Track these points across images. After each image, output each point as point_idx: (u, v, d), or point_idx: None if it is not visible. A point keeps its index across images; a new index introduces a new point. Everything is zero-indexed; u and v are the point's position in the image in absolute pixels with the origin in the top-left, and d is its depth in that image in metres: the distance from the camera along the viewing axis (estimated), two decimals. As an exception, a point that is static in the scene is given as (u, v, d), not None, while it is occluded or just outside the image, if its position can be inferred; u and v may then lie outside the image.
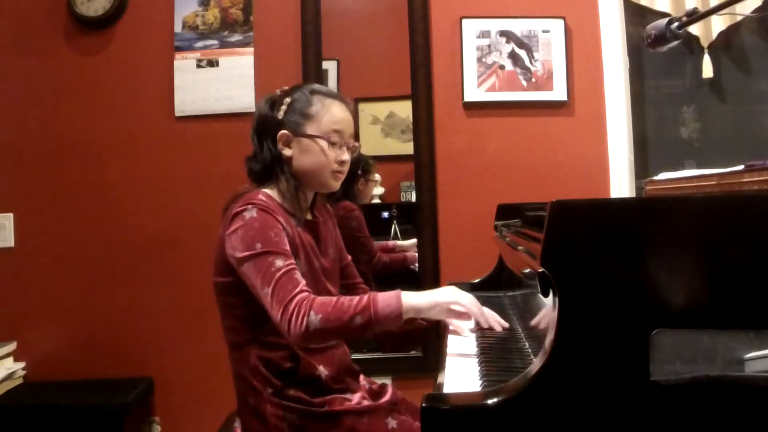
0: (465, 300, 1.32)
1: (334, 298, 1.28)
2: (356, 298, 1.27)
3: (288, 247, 1.33)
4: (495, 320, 1.42)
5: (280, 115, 1.44)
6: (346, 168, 1.47)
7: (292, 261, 1.32)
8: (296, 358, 1.39)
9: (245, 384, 1.40)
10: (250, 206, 1.34)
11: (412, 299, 1.28)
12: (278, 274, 1.27)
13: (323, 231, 1.52)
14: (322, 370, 1.42)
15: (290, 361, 1.39)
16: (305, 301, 1.25)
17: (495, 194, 2.33)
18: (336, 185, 1.48)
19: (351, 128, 1.47)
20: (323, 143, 1.42)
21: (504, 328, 1.46)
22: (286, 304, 1.25)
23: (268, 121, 1.45)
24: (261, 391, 1.38)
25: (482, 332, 1.46)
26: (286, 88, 1.51)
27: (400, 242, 2.59)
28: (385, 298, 1.27)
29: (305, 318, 1.23)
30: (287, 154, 1.44)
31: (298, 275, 1.30)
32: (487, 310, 1.44)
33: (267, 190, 1.42)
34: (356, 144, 1.50)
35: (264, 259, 1.29)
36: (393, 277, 2.52)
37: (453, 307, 1.32)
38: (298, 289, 1.27)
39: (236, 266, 1.33)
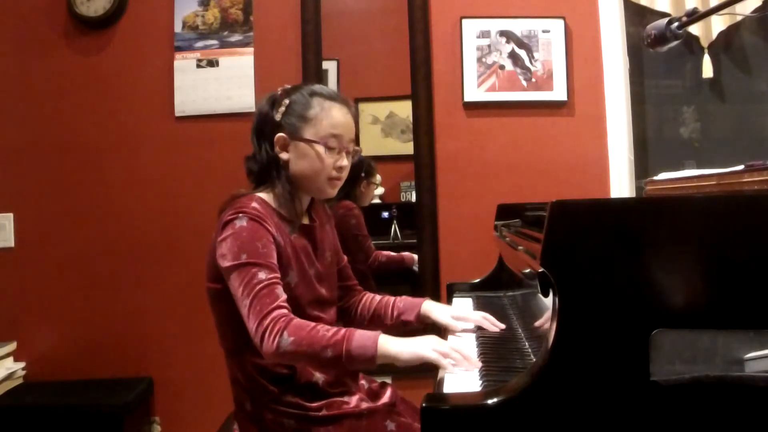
0: (444, 350, 1.21)
1: (312, 324, 1.25)
2: (333, 330, 1.24)
3: (275, 260, 1.31)
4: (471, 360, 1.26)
5: (278, 116, 1.40)
6: (344, 174, 1.44)
7: (277, 275, 1.29)
8: (292, 365, 1.37)
9: (242, 389, 1.39)
10: (241, 214, 1.31)
11: (391, 346, 1.22)
12: (259, 287, 1.25)
13: (320, 235, 1.49)
14: (319, 376, 1.40)
15: (286, 368, 1.37)
16: (281, 319, 1.23)
17: (495, 194, 2.33)
18: (332, 192, 1.44)
19: (351, 132, 1.43)
20: (320, 148, 1.39)
21: (500, 329, 1.46)
22: (261, 319, 1.23)
23: (266, 121, 1.43)
24: (258, 397, 1.37)
25: (482, 332, 1.46)
26: (288, 87, 1.47)
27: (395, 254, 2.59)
28: (361, 338, 1.22)
29: (277, 337, 1.21)
30: (284, 158, 1.40)
31: (279, 290, 1.28)
32: (479, 315, 1.43)
33: (262, 195, 1.40)
34: (356, 148, 1.46)
35: (248, 269, 1.27)
36: (393, 276, 2.52)
37: (434, 360, 1.22)
38: (275, 305, 1.24)
39: (224, 275, 1.32)
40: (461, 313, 1.53)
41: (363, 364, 1.22)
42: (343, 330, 1.24)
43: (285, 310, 1.25)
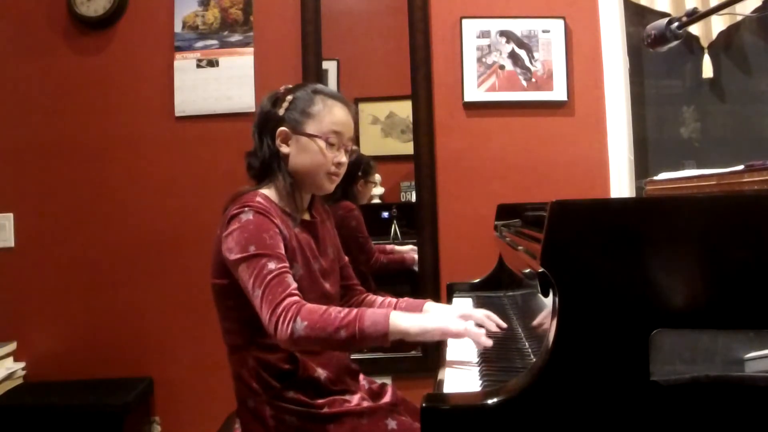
0: (455, 326, 1.25)
1: (324, 308, 1.27)
2: (345, 311, 1.26)
3: (282, 250, 1.34)
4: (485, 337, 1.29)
5: (281, 111, 1.45)
6: (342, 170, 1.48)
7: (286, 264, 1.32)
8: (295, 361, 1.39)
9: (245, 386, 1.41)
10: (246, 208, 1.34)
11: (401, 322, 1.25)
12: (269, 277, 1.28)
13: (321, 231, 1.52)
14: (321, 372, 1.42)
15: (289, 363, 1.39)
16: (294, 306, 1.25)
17: (495, 194, 2.33)
18: (330, 187, 1.48)
19: (351, 131, 1.48)
20: (321, 143, 1.43)
21: (502, 328, 1.46)
22: (274, 307, 1.25)
23: (269, 117, 1.46)
24: (260, 393, 1.38)
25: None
26: (290, 86, 1.51)
27: (398, 247, 2.58)
28: (373, 316, 1.25)
29: (291, 323, 1.23)
30: (285, 152, 1.44)
31: (289, 278, 1.30)
32: (482, 312, 1.44)
33: (265, 191, 1.43)
34: (354, 147, 1.51)
35: (257, 261, 1.29)
36: (393, 276, 2.52)
37: (444, 333, 1.26)
38: (287, 292, 1.27)
39: (231, 268, 1.34)
40: (464, 311, 1.53)
41: (376, 341, 1.24)
42: (355, 310, 1.26)
43: (297, 297, 1.28)
